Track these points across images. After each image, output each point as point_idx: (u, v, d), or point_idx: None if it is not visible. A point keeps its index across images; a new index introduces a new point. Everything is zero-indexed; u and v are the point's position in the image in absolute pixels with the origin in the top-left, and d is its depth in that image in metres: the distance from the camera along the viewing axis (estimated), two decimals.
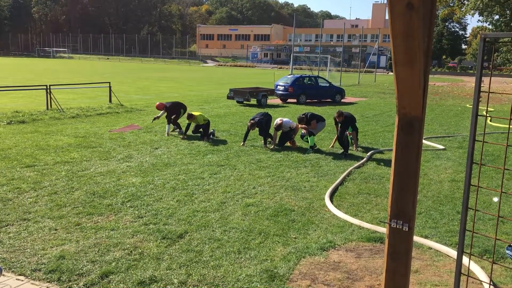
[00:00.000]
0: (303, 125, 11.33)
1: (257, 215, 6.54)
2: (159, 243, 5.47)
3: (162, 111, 12.94)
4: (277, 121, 11.36)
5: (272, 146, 11.29)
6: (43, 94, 17.39)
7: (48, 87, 16.74)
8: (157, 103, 13.16)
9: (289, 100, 23.56)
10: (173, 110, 12.93)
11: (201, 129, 12.24)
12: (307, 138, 11.31)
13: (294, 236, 5.83)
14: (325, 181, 8.48)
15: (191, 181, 8.18)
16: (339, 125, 11.27)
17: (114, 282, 4.51)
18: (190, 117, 11.91)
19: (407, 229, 2.61)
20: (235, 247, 5.41)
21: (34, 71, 42.31)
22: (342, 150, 10.93)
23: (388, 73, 65.21)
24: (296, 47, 78.18)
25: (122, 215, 6.38)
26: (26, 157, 9.46)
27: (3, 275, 4.56)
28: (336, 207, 6.95)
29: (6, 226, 5.87)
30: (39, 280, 4.53)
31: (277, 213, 6.61)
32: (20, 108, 16.37)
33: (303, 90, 23.28)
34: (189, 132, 12.35)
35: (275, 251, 5.34)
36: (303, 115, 11.47)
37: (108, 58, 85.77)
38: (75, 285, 4.44)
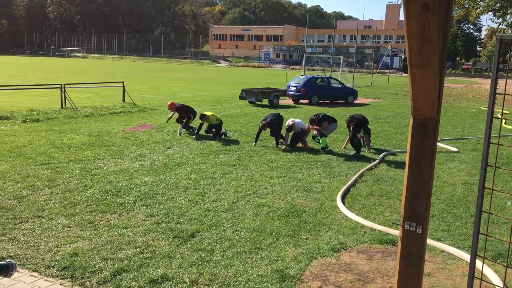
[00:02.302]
0: (315, 126, 11.30)
1: (269, 215, 6.55)
2: (171, 241, 5.50)
3: (173, 111, 13.11)
4: (289, 122, 11.35)
5: (284, 147, 11.28)
6: (57, 93, 17.58)
7: (63, 86, 16.92)
8: (169, 102, 13.27)
9: (301, 101, 23.51)
10: (184, 112, 12.93)
11: (213, 129, 12.26)
12: (319, 139, 11.28)
13: (305, 237, 5.82)
14: (337, 182, 8.45)
15: (203, 180, 8.21)
16: (351, 127, 11.19)
17: (126, 280, 4.55)
18: (203, 117, 11.95)
19: (420, 231, 2.60)
20: (246, 247, 5.42)
21: (49, 70, 42.77)
22: (354, 152, 10.88)
23: (401, 74, 64.74)
24: (308, 48, 78.05)
25: (135, 214, 6.42)
26: (41, 155, 9.56)
27: (18, 271, 4.62)
28: (348, 208, 6.92)
29: (21, 223, 5.95)
30: (52, 277, 4.58)
31: (288, 214, 6.61)
32: (35, 107, 16.56)
33: (315, 91, 23.23)
34: (202, 132, 12.39)
35: (286, 252, 5.33)
36: (314, 116, 11.44)
37: (121, 58, 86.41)
38: (88, 282, 4.48)
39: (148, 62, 76.10)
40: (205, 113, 12.25)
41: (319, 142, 11.38)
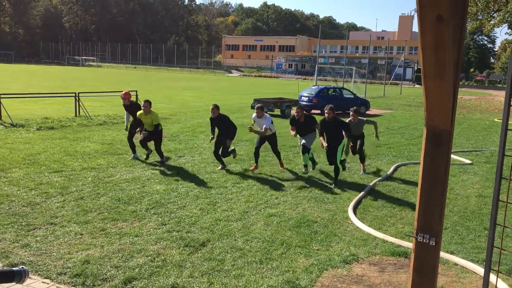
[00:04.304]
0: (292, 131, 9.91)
1: (280, 225, 6.53)
2: (182, 250, 5.50)
3: (126, 104, 10.85)
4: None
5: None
6: (72, 101, 17.79)
7: (77, 95, 17.12)
8: (124, 91, 11.02)
9: (313, 111, 23.50)
10: (132, 109, 10.70)
11: (152, 139, 10.09)
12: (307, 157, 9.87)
13: (316, 247, 5.79)
14: (349, 193, 8.40)
15: (214, 189, 8.22)
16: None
17: None
18: (145, 107, 9.79)
19: (434, 244, 2.57)
20: (257, 257, 5.40)
21: (64, 79, 43.31)
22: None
23: (414, 85, 64.44)
24: (321, 58, 78.16)
25: (146, 222, 6.45)
26: (54, 162, 9.66)
27: (30, 277, 4.65)
28: (359, 219, 6.87)
29: (34, 229, 6.00)
30: (64, 284, 4.61)
31: (299, 224, 6.58)
32: (50, 115, 16.76)
33: (327, 101, 23.16)
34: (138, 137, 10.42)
35: (297, 262, 5.31)
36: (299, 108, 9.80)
37: (135, 67, 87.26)
38: None
39: (161, 72, 76.77)
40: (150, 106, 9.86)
41: (310, 161, 10.03)
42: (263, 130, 9.67)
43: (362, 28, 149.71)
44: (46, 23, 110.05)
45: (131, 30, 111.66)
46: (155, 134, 10.08)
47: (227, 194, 7.96)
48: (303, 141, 9.80)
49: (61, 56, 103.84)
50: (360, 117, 10.24)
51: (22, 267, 2.40)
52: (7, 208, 6.73)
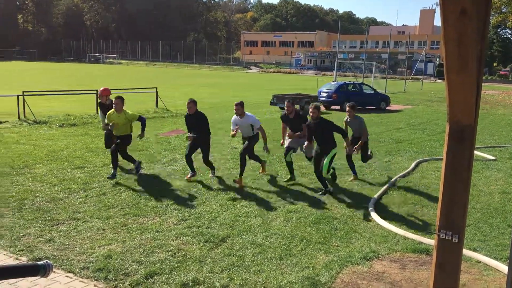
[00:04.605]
0: (296, 134, 8.55)
1: (299, 221, 6.52)
2: (202, 246, 5.54)
3: (102, 102, 10.22)
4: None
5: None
6: (93, 98, 18.02)
7: (98, 92, 17.32)
8: (102, 88, 10.49)
9: (332, 107, 23.35)
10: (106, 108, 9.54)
11: (118, 141, 8.55)
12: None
13: (336, 244, 5.77)
14: (369, 189, 8.34)
15: (234, 186, 8.25)
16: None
17: (158, 283, 4.61)
18: (116, 104, 8.57)
19: (456, 241, 2.54)
20: (276, 253, 5.41)
21: (85, 76, 43.90)
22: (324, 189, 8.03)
23: (435, 80, 63.44)
24: (340, 54, 77.59)
25: (167, 217, 6.51)
26: (77, 158, 9.82)
27: (54, 271, 4.74)
28: (380, 216, 6.82)
29: (57, 224, 6.12)
30: (87, 278, 4.69)
31: (319, 220, 6.56)
32: (72, 112, 17.02)
33: (347, 97, 22.96)
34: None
35: (317, 259, 5.29)
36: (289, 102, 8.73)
37: (155, 64, 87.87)
38: (121, 284, 4.56)
39: (180, 68, 77.20)
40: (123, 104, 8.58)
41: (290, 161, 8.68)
42: (258, 128, 8.55)
43: (382, 23, 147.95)
44: (68, 21, 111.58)
45: (151, 27, 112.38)
46: (129, 138, 8.68)
47: (246, 190, 7.98)
48: (289, 140, 8.64)
49: (82, 54, 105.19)
50: (357, 115, 9.00)
51: (46, 262, 2.45)
52: (31, 203, 6.87)
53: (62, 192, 7.50)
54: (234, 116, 8.60)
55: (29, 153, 10.11)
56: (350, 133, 8.89)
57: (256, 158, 8.97)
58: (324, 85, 25.04)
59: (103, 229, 6.00)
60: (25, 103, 15.11)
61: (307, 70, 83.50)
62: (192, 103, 8.48)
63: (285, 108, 8.67)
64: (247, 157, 8.62)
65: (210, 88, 34.42)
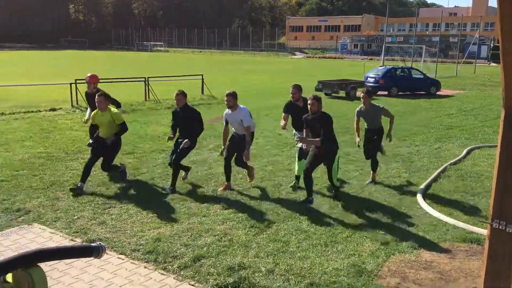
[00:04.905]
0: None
1: (345, 208, 6.46)
2: (248, 231, 5.61)
3: (90, 92, 9.12)
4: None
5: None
6: (141, 85, 18.46)
7: (146, 79, 17.75)
8: (90, 74, 9.32)
9: (379, 93, 22.85)
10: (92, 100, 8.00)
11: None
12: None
13: (383, 232, 5.68)
14: (417, 177, 8.14)
15: (279, 172, 8.27)
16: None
17: (206, 266, 4.71)
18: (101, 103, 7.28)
19: (510, 231, 2.44)
20: (321, 239, 5.40)
21: (133, 64, 44.97)
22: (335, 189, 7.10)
23: (489, 64, 60.67)
24: (388, 38, 75.50)
25: (213, 203, 6.62)
26: (126, 144, 10.10)
27: (107, 253, 4.94)
28: (429, 204, 6.65)
29: (109, 208, 6.35)
30: (137, 260, 4.86)
31: (365, 208, 6.48)
32: (121, 99, 17.42)
33: (395, 82, 22.43)
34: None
35: (363, 246, 5.24)
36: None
37: (200, 51, 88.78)
38: (169, 267, 4.70)
39: (226, 55, 77.65)
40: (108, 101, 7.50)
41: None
42: (245, 127, 7.02)
43: (433, 5, 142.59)
44: (117, 10, 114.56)
45: (197, 15, 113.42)
46: (115, 144, 7.29)
47: (292, 176, 7.97)
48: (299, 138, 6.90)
49: (130, 42, 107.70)
50: (374, 104, 7.87)
51: (100, 243, 2.56)
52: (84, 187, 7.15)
53: (112, 177, 7.75)
54: (226, 110, 7.26)
55: (82, 139, 10.51)
56: (363, 126, 8.00)
57: (244, 165, 7.44)
58: (371, 70, 24.51)
59: (152, 213, 6.18)
60: (78, 91, 15.67)
61: (353, 55, 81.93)
62: (181, 94, 7.21)
63: (291, 94, 7.31)
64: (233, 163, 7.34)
65: (256, 75, 34.44)
